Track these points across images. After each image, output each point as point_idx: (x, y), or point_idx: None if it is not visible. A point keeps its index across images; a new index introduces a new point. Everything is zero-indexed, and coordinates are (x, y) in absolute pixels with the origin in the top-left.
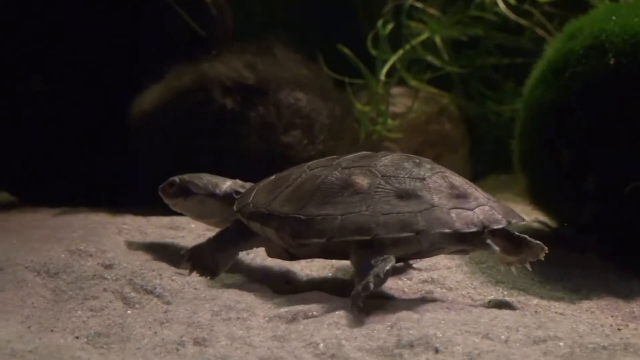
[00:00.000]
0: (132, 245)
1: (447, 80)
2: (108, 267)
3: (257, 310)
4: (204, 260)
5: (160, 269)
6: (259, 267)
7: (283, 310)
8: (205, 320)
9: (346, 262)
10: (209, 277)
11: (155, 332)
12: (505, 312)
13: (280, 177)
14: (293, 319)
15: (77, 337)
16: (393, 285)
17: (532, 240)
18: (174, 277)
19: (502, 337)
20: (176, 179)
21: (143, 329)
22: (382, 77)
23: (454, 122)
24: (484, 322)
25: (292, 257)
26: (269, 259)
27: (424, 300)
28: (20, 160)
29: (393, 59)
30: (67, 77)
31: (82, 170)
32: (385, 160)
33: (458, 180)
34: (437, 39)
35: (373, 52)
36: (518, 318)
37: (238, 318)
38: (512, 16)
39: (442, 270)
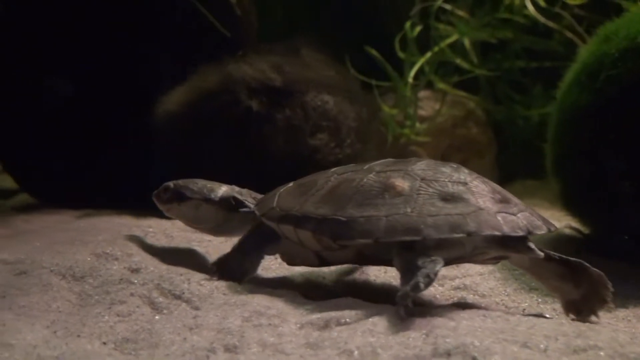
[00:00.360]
0: (159, 249)
1: (473, 84)
2: (135, 271)
3: (289, 317)
4: (232, 269)
5: (188, 274)
6: (288, 273)
7: (315, 316)
8: (235, 327)
9: (377, 268)
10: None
11: (185, 338)
12: (542, 320)
13: (303, 183)
14: (326, 325)
15: (104, 343)
16: (425, 292)
17: (589, 266)
18: (203, 282)
19: (541, 346)
20: (170, 184)
21: (172, 334)
22: (410, 79)
23: (480, 127)
24: (521, 330)
25: (322, 262)
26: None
27: (459, 307)
28: (41, 161)
29: (421, 61)
30: (90, 77)
31: (104, 172)
32: (421, 165)
33: (497, 186)
34: (466, 42)
35: (401, 54)
36: (556, 326)
37: (269, 324)
38: (541, 19)
39: (474, 277)
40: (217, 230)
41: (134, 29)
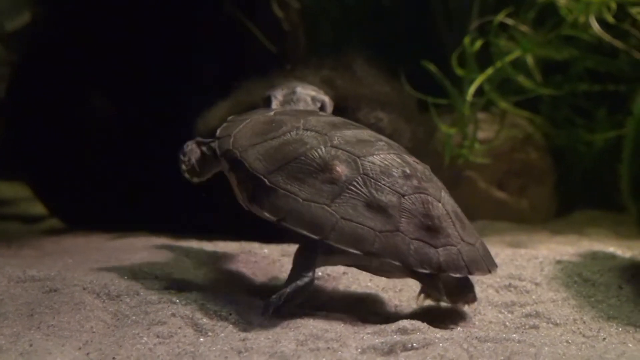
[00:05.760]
0: (202, 269)
1: (530, 106)
2: (176, 290)
3: (349, 341)
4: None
5: (234, 295)
6: (343, 296)
7: (378, 340)
8: (289, 350)
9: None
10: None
11: None
12: (631, 348)
13: (273, 120)
14: (390, 351)
15: None
16: (493, 319)
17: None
18: (251, 303)
19: None
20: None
21: (218, 358)
22: (469, 97)
23: (540, 152)
24: (610, 358)
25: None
26: (352, 287)
27: (535, 334)
28: (72, 185)
29: (481, 78)
30: (124, 95)
31: (141, 194)
32: (377, 158)
33: (439, 210)
34: (529, 59)
35: (459, 71)
36: None
37: (327, 348)
38: (606, 37)
39: (547, 304)
40: None
41: (174, 43)
